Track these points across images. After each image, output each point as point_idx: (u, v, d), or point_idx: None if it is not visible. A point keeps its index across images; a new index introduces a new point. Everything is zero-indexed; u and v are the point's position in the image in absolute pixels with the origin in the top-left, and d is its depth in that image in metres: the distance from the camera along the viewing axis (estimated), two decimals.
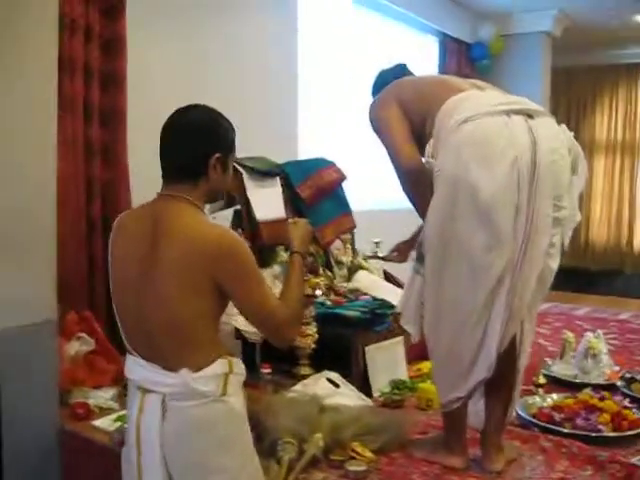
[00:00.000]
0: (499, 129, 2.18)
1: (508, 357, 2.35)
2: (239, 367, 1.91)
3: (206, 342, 1.86)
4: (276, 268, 3.40)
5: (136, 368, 1.92)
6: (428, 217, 2.30)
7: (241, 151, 2.11)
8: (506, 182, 2.14)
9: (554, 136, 2.25)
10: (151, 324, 1.84)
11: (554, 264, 2.32)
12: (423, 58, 6.61)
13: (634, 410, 2.89)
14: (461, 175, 2.17)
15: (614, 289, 8.16)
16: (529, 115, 2.24)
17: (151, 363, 1.87)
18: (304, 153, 4.69)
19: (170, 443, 1.84)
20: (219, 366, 1.85)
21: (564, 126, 2.37)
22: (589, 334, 3.66)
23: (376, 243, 3.81)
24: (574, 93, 8.86)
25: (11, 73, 2.56)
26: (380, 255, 3.51)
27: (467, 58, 6.95)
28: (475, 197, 2.15)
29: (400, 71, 2.78)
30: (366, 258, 3.99)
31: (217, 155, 1.90)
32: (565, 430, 2.71)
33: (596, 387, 3.22)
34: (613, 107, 8.67)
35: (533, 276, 2.22)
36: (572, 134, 2.38)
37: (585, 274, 8.63)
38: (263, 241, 3.36)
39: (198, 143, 1.90)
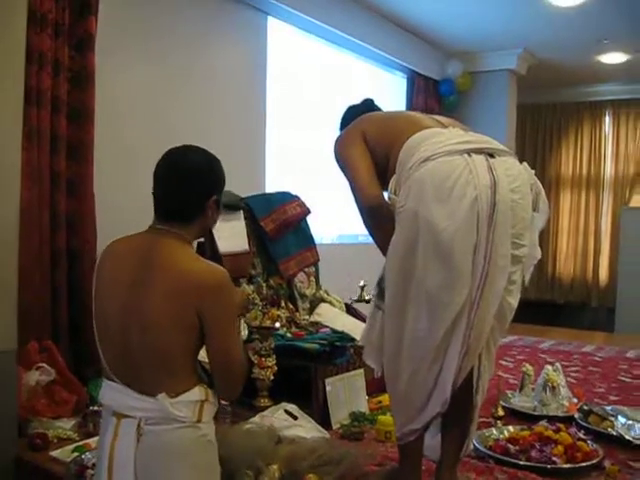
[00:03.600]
0: (460, 168, 2.21)
1: (465, 392, 2.37)
2: (214, 397, 1.96)
3: (185, 370, 1.91)
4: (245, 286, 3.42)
5: (112, 393, 1.95)
6: (389, 253, 2.34)
7: None
8: (466, 222, 2.17)
9: (515, 175, 2.28)
10: (133, 349, 1.88)
11: (513, 301, 2.35)
12: (391, 94, 6.73)
13: (588, 442, 2.93)
14: (421, 213, 2.20)
15: (580, 322, 8.26)
16: (490, 154, 2.28)
17: (129, 388, 1.90)
18: (271, 187, 4.74)
19: (144, 467, 1.86)
20: (196, 393, 1.89)
21: (525, 164, 2.41)
22: (548, 367, 3.72)
23: (362, 287, 3.86)
24: (540, 129, 9.04)
25: None
26: (367, 298, 3.55)
27: (435, 94, 7.09)
28: (435, 236, 2.18)
29: (367, 106, 2.82)
30: (352, 302, 4.03)
31: (214, 197, 1.97)
32: (520, 462, 2.74)
33: (553, 419, 3.26)
34: (578, 143, 8.85)
35: (490, 313, 2.26)
36: (533, 172, 2.43)
37: (551, 307, 8.73)
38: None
39: (199, 187, 1.96)
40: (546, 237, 8.62)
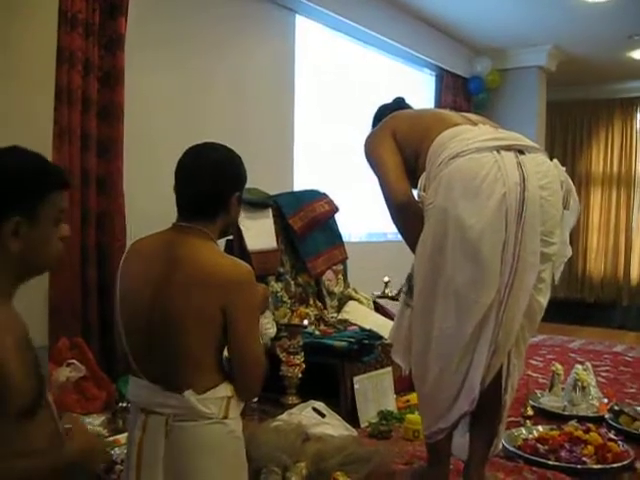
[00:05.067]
0: (488, 165, 2.20)
1: (494, 391, 2.36)
2: None
3: (211, 367, 1.92)
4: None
5: (140, 390, 1.97)
6: (418, 250, 2.34)
7: None
8: (494, 219, 2.16)
9: (545, 172, 2.27)
10: (159, 346, 1.89)
11: (543, 299, 2.34)
12: (420, 92, 6.70)
13: (619, 443, 2.90)
14: (450, 210, 2.19)
15: (610, 321, 8.16)
16: (520, 151, 2.27)
17: (156, 384, 1.92)
18: (299, 185, 4.75)
19: (172, 462, 1.88)
20: (222, 390, 1.90)
21: (556, 161, 2.40)
22: (578, 366, 3.69)
23: (385, 283, 3.84)
24: (570, 127, 8.93)
25: (9, 101, 2.62)
26: (390, 294, 3.53)
27: (464, 92, 7.04)
28: (463, 233, 2.17)
29: (398, 104, 2.83)
30: (375, 297, 4.02)
31: (237, 194, 1.98)
32: (549, 462, 2.72)
33: (583, 419, 3.23)
34: (609, 141, 8.73)
35: (520, 312, 2.24)
36: (564, 169, 2.41)
37: (581, 306, 8.63)
38: (254, 271, 3.40)
39: (223, 184, 1.97)
40: (576, 235, 8.52)
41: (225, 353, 1.97)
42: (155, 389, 1.93)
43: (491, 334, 2.20)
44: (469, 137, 2.31)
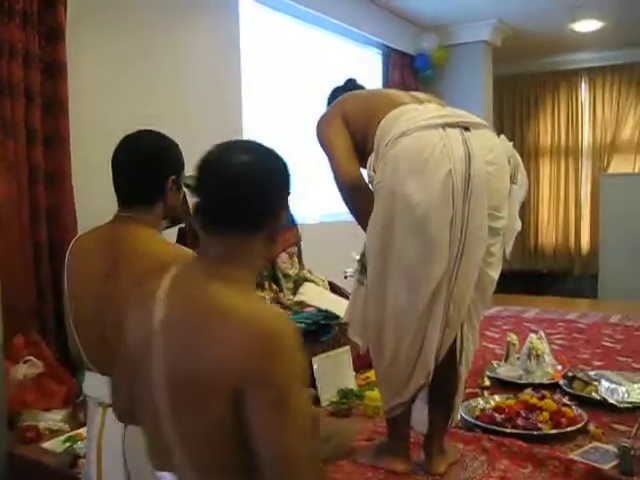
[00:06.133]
0: (433, 142, 2.24)
1: (449, 365, 2.42)
2: None
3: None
4: None
5: (96, 384, 1.97)
6: (368, 229, 2.37)
7: (186, 169, 2.16)
8: (440, 195, 2.20)
9: (490, 147, 2.31)
10: (111, 342, 1.88)
11: (494, 273, 2.39)
12: (367, 71, 6.71)
13: (573, 407, 2.99)
14: (397, 189, 2.23)
15: (564, 290, 8.36)
16: (465, 128, 2.31)
17: (109, 377, 1.92)
18: None
19: (132, 453, 1.89)
20: None
21: (503, 136, 2.44)
22: (532, 335, 3.77)
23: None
24: (517, 100, 9.06)
25: None
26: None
27: (410, 69, 7.08)
28: (410, 211, 2.21)
29: (349, 86, 2.84)
30: (347, 277, 4.02)
31: (172, 178, 1.97)
32: (506, 430, 2.79)
33: (538, 387, 3.31)
34: (555, 113, 8.88)
35: (469, 285, 2.29)
36: (512, 144, 2.46)
37: (535, 277, 8.82)
38: None
39: (155, 169, 1.97)
40: (527, 207, 8.68)
41: None
42: (109, 382, 1.93)
43: (442, 308, 2.25)
44: (415, 115, 2.34)
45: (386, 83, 6.81)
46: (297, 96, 5.58)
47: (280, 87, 5.49)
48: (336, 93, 2.80)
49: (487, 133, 2.37)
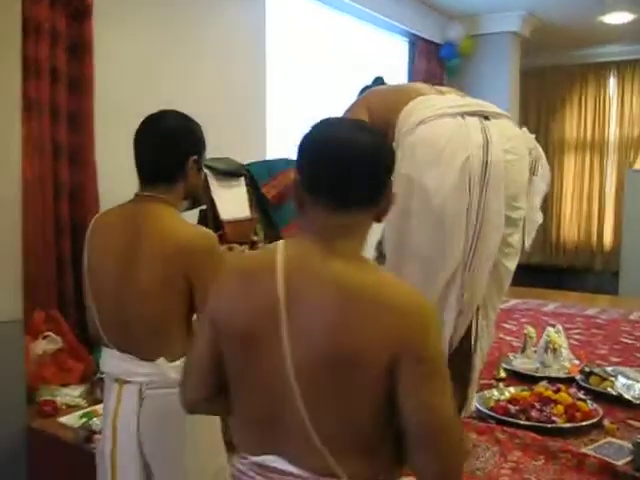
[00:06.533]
0: (451, 131, 2.24)
1: (463, 353, 2.42)
2: None
3: (181, 335, 1.94)
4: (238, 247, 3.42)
5: (113, 361, 2.00)
6: (387, 217, 2.37)
7: (208, 152, 2.17)
8: (457, 183, 2.20)
9: (509, 136, 2.30)
10: (129, 317, 1.92)
11: (510, 264, 2.39)
12: (393, 59, 6.68)
13: (588, 402, 2.98)
14: (414, 176, 2.23)
15: (584, 286, 8.28)
16: (485, 117, 2.31)
17: (128, 354, 1.94)
18: (272, 154, 4.73)
19: (147, 430, 1.92)
20: None
21: (525, 129, 2.44)
22: (550, 328, 3.75)
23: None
24: (544, 93, 8.97)
25: None
26: None
27: (437, 58, 7.03)
28: (427, 199, 2.22)
29: (377, 84, 2.87)
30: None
31: (193, 157, 1.99)
32: (520, 422, 2.79)
33: (554, 380, 3.30)
34: (582, 106, 8.78)
35: (484, 273, 2.29)
36: (534, 136, 2.45)
37: (556, 271, 8.75)
38: (227, 240, 3.41)
39: (176, 148, 1.98)
40: (550, 201, 8.61)
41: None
42: (127, 359, 1.95)
43: (456, 295, 2.26)
44: (433, 104, 2.35)
45: (412, 71, 6.76)
46: (322, 82, 5.56)
47: (305, 73, 5.47)
48: (364, 91, 2.82)
49: (507, 122, 2.37)
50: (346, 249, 1.36)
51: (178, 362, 1.90)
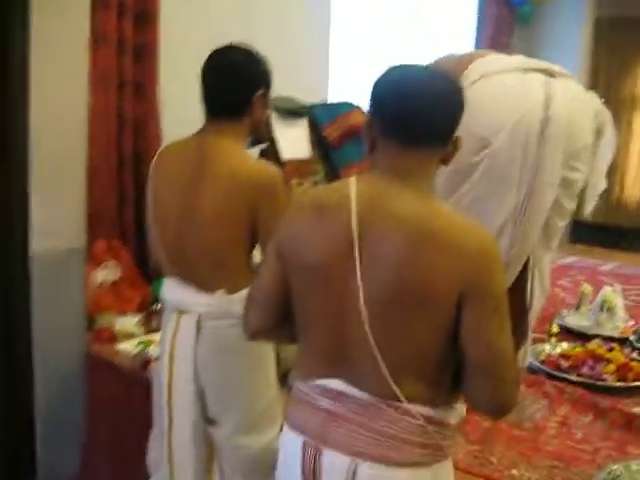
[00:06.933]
0: (511, 85, 2.20)
1: (516, 307, 2.40)
2: None
3: (241, 267, 1.99)
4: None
5: (173, 290, 2.06)
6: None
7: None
8: (511, 137, 2.15)
9: (575, 95, 2.24)
10: (191, 248, 1.97)
11: (560, 221, 2.34)
12: (461, 4, 6.49)
13: None
14: (469, 129, 2.19)
15: None
16: (550, 75, 2.25)
17: (189, 283, 1.99)
18: (334, 97, 4.68)
19: (203, 359, 1.99)
20: None
21: (592, 93, 2.36)
22: (607, 287, 3.69)
23: None
24: (618, 45, 8.61)
25: (47, 8, 2.62)
26: None
27: (507, 4, 6.78)
28: (479, 151, 2.17)
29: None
30: None
31: (260, 91, 1.99)
32: (571, 378, 2.77)
33: (607, 339, 3.26)
34: None
35: (535, 230, 2.26)
36: (602, 100, 2.37)
37: (616, 230, 8.54)
38: (287, 179, 3.43)
39: (243, 81, 2.00)
40: (615, 159, 8.33)
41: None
42: (188, 289, 2.00)
43: (505, 247, 2.22)
44: (495, 61, 2.32)
45: (481, 17, 6.55)
46: (388, 26, 5.45)
47: (370, 17, 5.35)
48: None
49: (572, 82, 2.31)
50: (416, 186, 1.44)
51: (237, 294, 1.93)
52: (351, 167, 3.79)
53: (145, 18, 3.50)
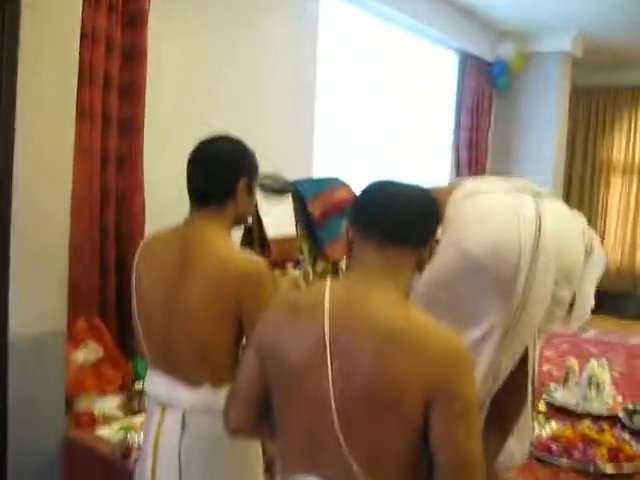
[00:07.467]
0: (502, 202, 2.20)
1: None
2: None
3: (227, 361, 1.93)
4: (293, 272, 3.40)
5: (157, 383, 2.00)
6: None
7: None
8: (505, 249, 2.12)
9: (562, 214, 2.26)
10: (176, 342, 1.92)
11: (550, 324, 2.33)
12: (443, 74, 6.62)
13: (633, 443, 2.89)
14: (459, 238, 2.16)
15: (625, 311, 8.12)
16: (537, 195, 2.26)
17: (173, 378, 1.93)
18: (319, 172, 4.71)
19: (189, 457, 1.92)
20: None
21: (576, 211, 2.39)
22: (593, 361, 3.67)
23: None
24: (593, 113, 8.82)
25: (31, 78, 2.60)
26: None
27: (487, 75, 6.95)
28: (471, 261, 2.14)
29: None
30: None
31: (245, 180, 1.98)
32: (562, 462, 2.72)
33: (597, 417, 3.23)
34: (632, 128, 8.63)
35: (522, 344, 2.23)
36: (585, 220, 2.37)
37: (597, 295, 8.57)
38: (273, 257, 3.40)
39: (227, 169, 1.99)
40: (595, 224, 8.47)
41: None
42: (172, 383, 1.94)
43: (489, 361, 2.19)
44: (483, 182, 2.36)
45: (461, 88, 6.70)
46: (371, 96, 5.53)
47: (353, 85, 5.44)
48: None
49: (558, 202, 2.33)
50: (389, 289, 1.47)
51: (224, 388, 1.88)
52: (335, 243, 3.77)
53: (131, 92, 3.51)
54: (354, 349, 1.41)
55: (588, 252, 2.29)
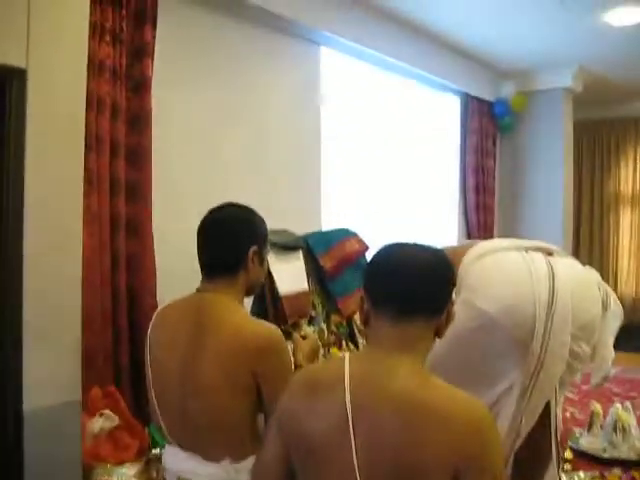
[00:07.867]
0: (515, 259, 2.21)
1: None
2: None
3: (246, 434, 1.89)
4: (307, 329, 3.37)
5: (175, 459, 1.95)
6: None
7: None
8: (521, 309, 2.12)
9: (576, 271, 2.27)
10: (193, 415, 1.87)
11: (571, 377, 2.32)
12: (446, 117, 6.65)
13: None
14: (474, 300, 2.16)
15: None
16: (548, 253, 2.28)
17: (191, 453, 1.89)
18: (328, 224, 4.70)
19: None
20: None
21: (589, 266, 2.39)
22: (617, 405, 3.60)
23: None
24: (597, 146, 8.83)
25: (39, 146, 2.62)
26: None
27: (489, 116, 6.98)
28: (489, 322, 2.14)
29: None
30: None
31: (254, 248, 1.96)
32: None
33: (625, 463, 3.15)
34: (638, 160, 8.63)
35: (543, 400, 2.21)
36: (598, 274, 2.38)
37: None
38: (285, 314, 3.37)
39: (236, 238, 1.97)
40: (607, 256, 8.43)
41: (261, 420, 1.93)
42: (190, 458, 1.90)
43: (510, 419, 2.15)
44: (493, 242, 2.39)
45: (465, 129, 6.72)
46: (375, 142, 5.55)
47: (357, 136, 5.45)
48: None
49: (570, 258, 2.36)
50: (408, 363, 1.45)
51: (243, 463, 1.84)
52: (350, 296, 3.75)
53: (137, 157, 3.52)
54: (378, 424, 1.38)
55: (605, 305, 2.27)
